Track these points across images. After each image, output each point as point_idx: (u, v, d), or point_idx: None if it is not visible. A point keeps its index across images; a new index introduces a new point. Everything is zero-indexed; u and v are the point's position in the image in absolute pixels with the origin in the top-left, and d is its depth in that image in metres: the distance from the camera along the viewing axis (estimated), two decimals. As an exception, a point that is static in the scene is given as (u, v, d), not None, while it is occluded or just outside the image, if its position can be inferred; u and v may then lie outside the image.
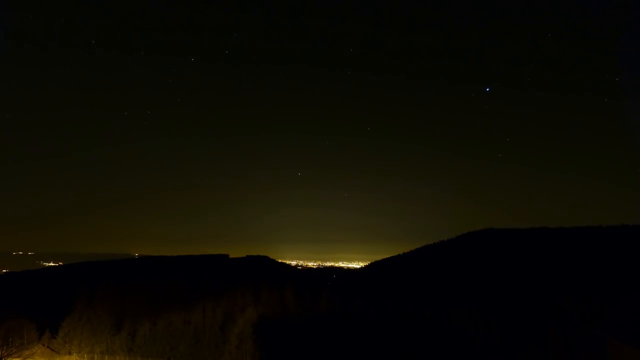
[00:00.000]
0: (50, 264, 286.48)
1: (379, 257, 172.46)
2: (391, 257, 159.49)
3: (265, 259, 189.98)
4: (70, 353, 61.51)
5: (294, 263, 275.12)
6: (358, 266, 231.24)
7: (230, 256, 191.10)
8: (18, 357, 57.95)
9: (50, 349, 62.21)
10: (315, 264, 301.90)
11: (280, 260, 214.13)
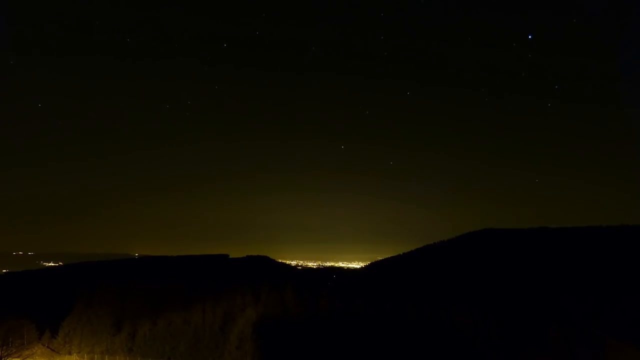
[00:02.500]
0: (50, 264, 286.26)
1: (379, 257, 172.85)
2: (391, 257, 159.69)
3: (265, 259, 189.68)
4: (70, 353, 61.52)
5: (294, 263, 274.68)
6: (358, 266, 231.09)
7: (230, 256, 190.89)
8: (18, 357, 57.97)
9: (50, 349, 62.23)
10: (315, 264, 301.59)
11: (280, 260, 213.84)
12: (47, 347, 62.27)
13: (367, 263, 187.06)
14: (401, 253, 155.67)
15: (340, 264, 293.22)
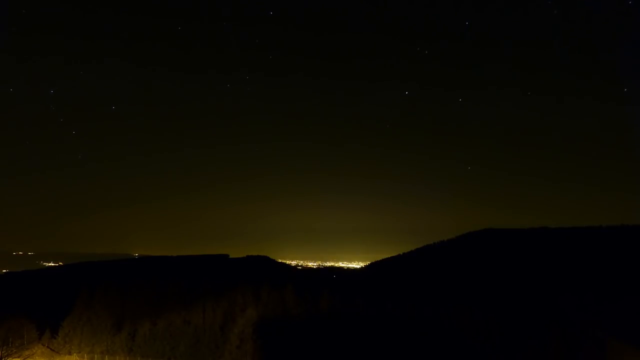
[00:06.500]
0: (50, 264, 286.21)
1: (379, 257, 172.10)
2: (391, 257, 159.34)
3: (265, 259, 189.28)
4: (70, 353, 61.55)
5: (294, 263, 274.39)
6: (358, 266, 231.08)
7: (230, 256, 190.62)
8: (18, 357, 58.02)
9: (50, 349, 62.26)
10: (315, 264, 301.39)
11: (280, 260, 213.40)
12: (47, 347, 62.30)
13: (367, 263, 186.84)
14: (401, 253, 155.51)
15: (340, 264, 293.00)
